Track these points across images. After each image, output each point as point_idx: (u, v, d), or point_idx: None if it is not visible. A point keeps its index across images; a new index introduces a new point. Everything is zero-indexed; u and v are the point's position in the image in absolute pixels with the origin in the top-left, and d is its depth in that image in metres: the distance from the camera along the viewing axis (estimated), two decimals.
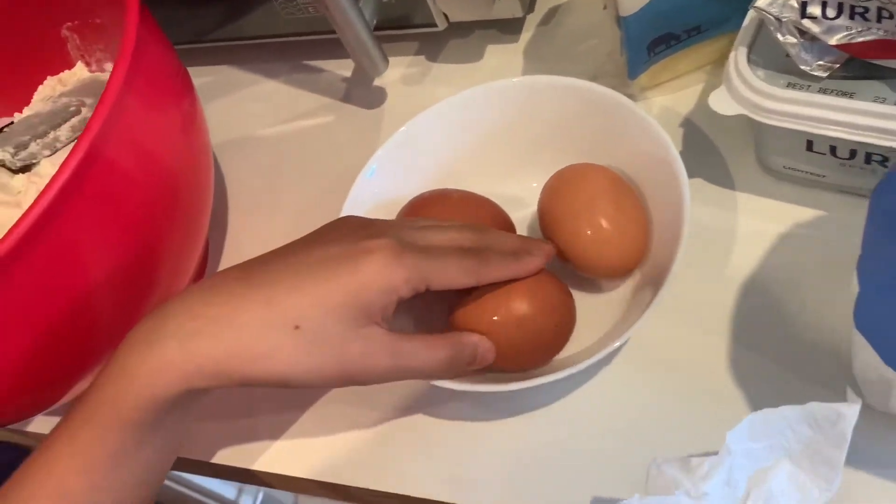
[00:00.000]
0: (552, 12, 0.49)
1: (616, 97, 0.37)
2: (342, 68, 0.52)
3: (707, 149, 0.40)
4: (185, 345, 0.28)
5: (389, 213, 0.39)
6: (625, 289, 0.37)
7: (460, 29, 0.48)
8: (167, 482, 0.97)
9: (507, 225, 0.38)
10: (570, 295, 0.36)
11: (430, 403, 0.38)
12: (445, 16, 0.46)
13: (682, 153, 0.35)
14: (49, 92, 0.48)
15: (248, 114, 0.53)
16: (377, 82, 0.50)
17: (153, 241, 0.37)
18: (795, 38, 0.32)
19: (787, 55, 0.32)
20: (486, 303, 0.34)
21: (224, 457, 0.41)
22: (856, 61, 0.32)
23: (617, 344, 0.32)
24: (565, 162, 0.37)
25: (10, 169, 0.42)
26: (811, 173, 0.36)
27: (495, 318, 0.34)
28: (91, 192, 0.33)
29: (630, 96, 0.38)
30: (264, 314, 0.28)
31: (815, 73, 0.32)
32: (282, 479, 0.40)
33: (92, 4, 0.46)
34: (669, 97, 0.43)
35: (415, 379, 0.34)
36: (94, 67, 0.49)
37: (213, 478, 0.43)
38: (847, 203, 0.36)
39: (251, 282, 0.29)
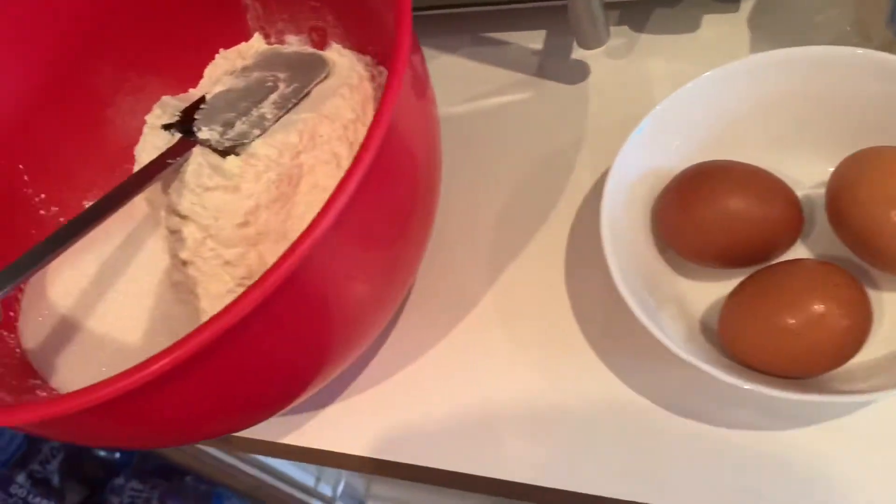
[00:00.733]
0: None
1: None
2: (530, 40, 0.48)
3: None
4: None
5: (658, 182, 0.36)
6: None
7: None
8: (246, 466, 0.94)
9: (795, 206, 0.34)
10: (866, 293, 0.32)
11: (710, 409, 0.35)
12: None
13: None
14: (229, 66, 0.45)
15: None
16: (575, 55, 0.46)
17: (409, 236, 0.34)
18: None
19: None
20: (767, 302, 0.31)
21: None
22: None
23: None
24: (858, 144, 0.34)
25: (214, 149, 0.38)
26: None
27: (777, 320, 0.31)
28: (378, 182, 0.29)
29: None
30: None
31: None
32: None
33: None
34: None
35: None
36: (273, 39, 0.45)
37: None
38: None
39: None
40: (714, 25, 0.45)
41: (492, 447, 0.37)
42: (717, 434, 0.34)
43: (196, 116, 0.39)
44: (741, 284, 0.33)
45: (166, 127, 0.40)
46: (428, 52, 0.50)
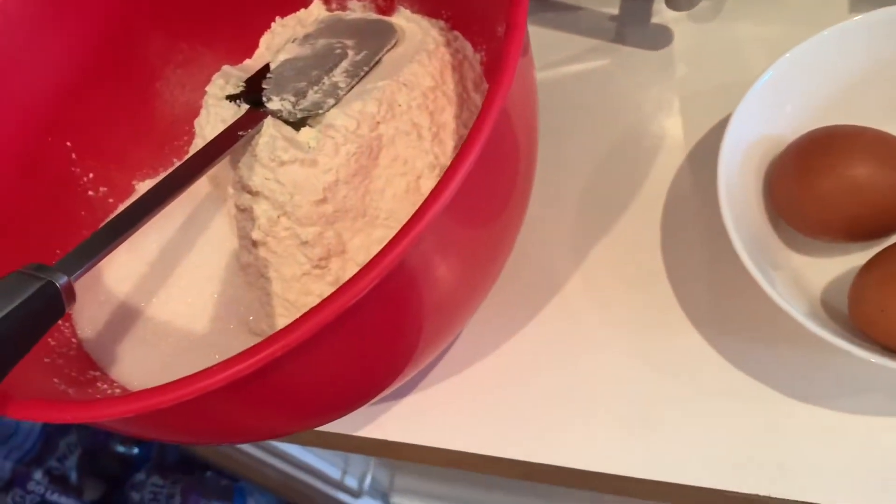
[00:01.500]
0: None
1: None
2: (603, 4, 0.45)
3: None
4: None
5: (772, 149, 0.33)
6: None
7: None
8: (269, 458, 0.92)
9: None
10: None
11: (834, 394, 0.32)
12: None
13: None
14: (288, 34, 0.42)
15: None
16: (655, 20, 0.44)
17: (510, 214, 0.31)
18: None
19: None
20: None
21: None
22: None
23: None
24: None
25: (286, 121, 0.35)
26: None
27: None
28: (490, 159, 0.26)
29: None
30: None
31: None
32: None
33: None
34: None
35: None
36: (334, 5, 0.42)
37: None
38: None
39: None
40: None
41: (587, 438, 0.34)
42: (841, 420, 0.32)
43: (264, 86, 0.36)
44: (875, 260, 0.31)
45: (232, 98, 0.37)
46: None
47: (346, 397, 0.29)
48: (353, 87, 0.36)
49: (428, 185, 0.34)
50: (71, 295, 0.26)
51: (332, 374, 0.27)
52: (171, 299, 0.37)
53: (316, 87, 0.36)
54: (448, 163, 0.29)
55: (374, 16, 0.41)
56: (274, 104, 0.35)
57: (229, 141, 0.34)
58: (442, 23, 0.39)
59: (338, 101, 0.35)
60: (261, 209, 0.34)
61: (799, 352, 0.32)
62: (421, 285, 0.26)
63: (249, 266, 0.35)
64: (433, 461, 0.37)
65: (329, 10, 0.42)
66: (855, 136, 0.32)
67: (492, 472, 0.36)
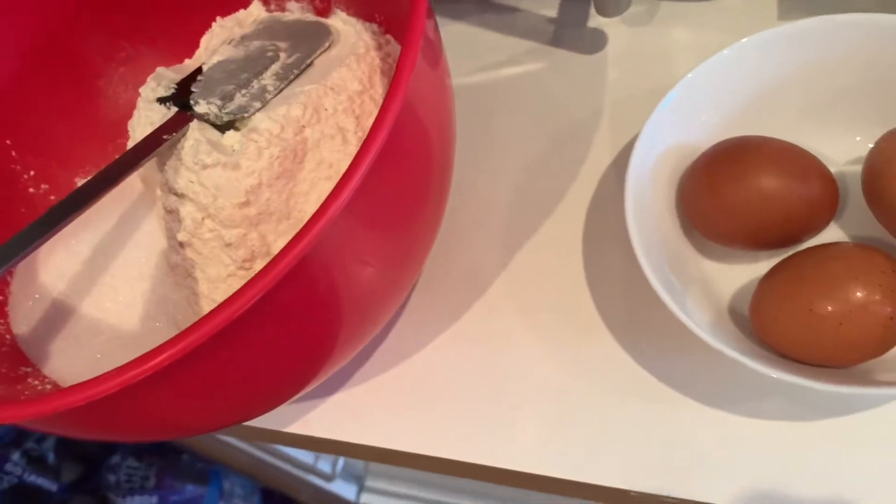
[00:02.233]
0: None
1: None
2: (543, 7, 0.46)
3: None
4: None
5: (684, 158, 0.34)
6: None
7: None
8: (243, 444, 0.93)
9: (832, 184, 0.33)
10: None
11: (738, 398, 0.33)
12: None
13: None
14: (227, 34, 0.42)
15: None
16: (591, 23, 0.44)
17: (423, 216, 0.32)
18: None
19: None
20: (805, 288, 0.29)
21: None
22: None
23: None
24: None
25: (213, 124, 0.36)
26: None
27: (816, 307, 0.29)
28: (393, 159, 0.27)
29: None
30: None
31: None
32: None
33: None
34: None
35: None
36: (273, 7, 0.43)
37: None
38: None
39: None
40: None
41: (504, 437, 0.35)
42: (744, 424, 0.33)
43: (193, 89, 0.37)
44: (774, 269, 0.31)
45: (161, 100, 0.37)
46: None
47: (256, 399, 0.30)
48: (281, 91, 0.37)
49: None
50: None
51: (243, 372, 0.28)
52: (103, 297, 0.38)
53: (244, 91, 0.36)
54: None
55: (312, 17, 0.42)
56: (201, 107, 0.36)
57: (153, 144, 0.34)
58: (375, 26, 0.40)
59: (264, 104, 0.36)
60: (186, 211, 0.35)
61: (707, 358, 0.33)
62: (320, 286, 0.27)
63: (177, 266, 0.36)
64: (357, 456, 0.38)
65: (268, 10, 0.43)
66: (761, 147, 0.32)
67: (412, 466, 0.37)
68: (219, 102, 0.36)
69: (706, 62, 0.33)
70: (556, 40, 0.44)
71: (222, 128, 0.36)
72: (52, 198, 0.42)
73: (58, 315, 0.38)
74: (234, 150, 0.34)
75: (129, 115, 0.42)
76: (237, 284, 0.35)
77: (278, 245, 0.35)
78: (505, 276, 0.39)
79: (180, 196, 0.35)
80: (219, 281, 0.35)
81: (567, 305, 0.37)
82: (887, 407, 0.31)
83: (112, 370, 0.23)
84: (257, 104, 0.36)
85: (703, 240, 0.35)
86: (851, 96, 0.35)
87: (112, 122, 0.43)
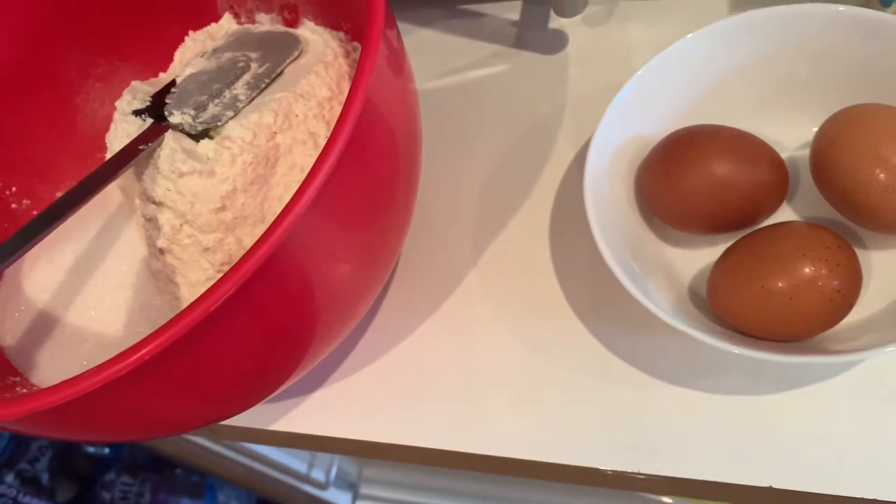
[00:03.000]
0: None
1: None
2: (505, 11, 0.47)
3: None
4: None
5: (640, 151, 0.36)
6: None
7: None
8: (237, 455, 0.94)
9: (780, 169, 0.34)
10: (855, 254, 0.32)
11: (699, 376, 0.35)
12: None
13: None
14: (199, 47, 0.43)
15: None
16: (552, 24, 0.46)
17: (391, 214, 0.33)
18: None
19: None
20: (757, 266, 0.31)
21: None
22: None
23: None
24: (841, 102, 0.34)
25: (187, 133, 0.37)
26: None
27: (768, 283, 0.30)
28: (356, 159, 0.28)
29: None
30: None
31: None
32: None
33: None
34: None
35: None
36: (243, 19, 0.44)
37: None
38: None
39: None
40: None
41: (481, 424, 0.37)
42: (705, 400, 0.34)
43: (167, 101, 0.38)
44: (728, 250, 0.33)
45: (137, 112, 0.38)
46: (402, 26, 0.49)
47: (232, 397, 0.32)
48: (253, 99, 0.38)
49: None
50: None
51: (213, 375, 0.29)
52: (87, 306, 0.39)
53: (216, 101, 0.38)
54: None
55: (281, 28, 0.43)
56: (175, 118, 0.37)
57: (130, 155, 0.36)
58: (342, 34, 0.41)
59: (237, 113, 0.37)
60: (164, 218, 0.36)
61: (668, 339, 0.35)
62: (292, 279, 0.28)
63: (159, 272, 0.37)
64: (342, 451, 0.39)
65: (239, 23, 0.44)
66: (714, 136, 0.34)
67: (395, 459, 0.38)
68: (192, 112, 0.37)
69: (656, 57, 0.35)
70: (520, 42, 0.46)
71: (197, 137, 0.37)
72: (34, 213, 0.43)
73: (43, 325, 0.39)
74: (208, 158, 0.36)
75: (108, 130, 0.44)
76: None
77: None
78: (477, 269, 0.40)
79: (158, 204, 0.36)
80: (199, 285, 0.36)
81: (536, 294, 0.38)
82: (839, 377, 0.33)
83: (92, 368, 0.25)
84: (230, 113, 0.37)
85: (664, 227, 0.36)
86: (800, 84, 0.36)
87: (91, 136, 0.45)
